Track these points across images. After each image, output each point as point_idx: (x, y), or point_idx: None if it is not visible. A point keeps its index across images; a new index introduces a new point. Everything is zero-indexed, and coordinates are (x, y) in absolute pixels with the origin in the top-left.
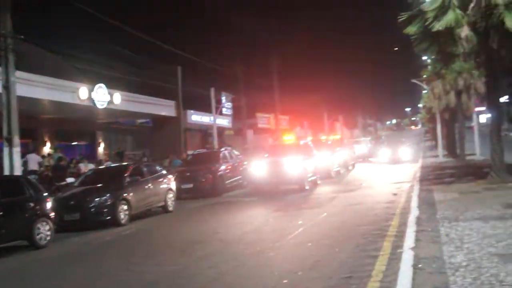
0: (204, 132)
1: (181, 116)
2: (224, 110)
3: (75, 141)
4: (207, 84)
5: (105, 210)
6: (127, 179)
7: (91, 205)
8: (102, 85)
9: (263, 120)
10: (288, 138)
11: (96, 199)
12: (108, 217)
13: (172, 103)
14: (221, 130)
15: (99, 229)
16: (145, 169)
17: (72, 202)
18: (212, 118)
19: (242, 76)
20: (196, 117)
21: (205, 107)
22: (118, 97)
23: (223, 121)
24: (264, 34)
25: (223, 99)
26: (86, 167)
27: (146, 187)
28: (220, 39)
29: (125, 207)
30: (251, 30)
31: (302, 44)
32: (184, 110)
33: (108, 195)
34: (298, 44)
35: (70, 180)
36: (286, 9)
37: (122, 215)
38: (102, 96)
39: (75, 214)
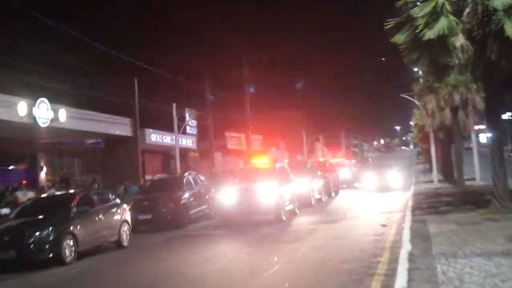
0: (165, 154)
1: (138, 136)
2: (188, 129)
3: (12, 165)
4: (169, 100)
5: (47, 246)
6: (74, 210)
7: (30, 241)
8: (45, 99)
9: (233, 140)
10: (262, 161)
11: (36, 234)
12: (51, 255)
13: (127, 120)
14: (184, 151)
15: (40, 269)
16: (95, 197)
17: (6, 238)
18: (174, 138)
19: (209, 90)
20: (156, 137)
21: (166, 126)
22: (63, 114)
23: (187, 142)
24: (233, 43)
25: (187, 116)
26: (24, 195)
27: (97, 218)
28: (184, 49)
29: (71, 242)
30: (219, 39)
31: (277, 54)
32: (142, 128)
33: (50, 228)
34: (272, 54)
35: (4, 211)
36: (260, 16)
37: (67, 252)
38: (44, 113)
39: (10, 252)
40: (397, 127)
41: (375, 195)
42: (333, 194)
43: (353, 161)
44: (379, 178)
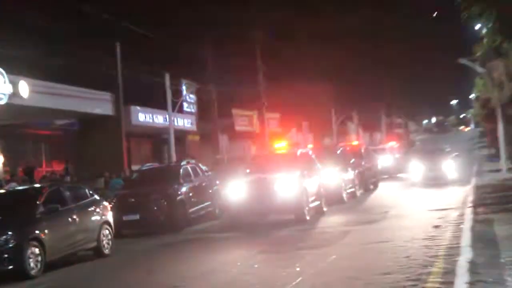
0: (157, 138)
1: (121, 115)
2: (185, 106)
3: None
4: (161, 69)
5: (6, 256)
6: (41, 209)
7: None
8: (1, 70)
9: (243, 120)
10: (280, 145)
11: None
12: (11, 266)
13: (108, 96)
14: (181, 134)
15: None
16: (68, 193)
17: None
18: (167, 117)
19: (212, 57)
20: (145, 116)
21: (157, 102)
22: (25, 88)
23: (184, 122)
24: None
25: (184, 89)
26: None
27: (70, 220)
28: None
29: (37, 250)
30: None
31: (299, 11)
32: (127, 106)
33: (9, 233)
34: (293, 11)
35: None
36: None
37: (32, 263)
38: (1, 86)
39: None
40: (453, 102)
41: (424, 188)
42: (371, 187)
43: (397, 145)
44: (430, 166)
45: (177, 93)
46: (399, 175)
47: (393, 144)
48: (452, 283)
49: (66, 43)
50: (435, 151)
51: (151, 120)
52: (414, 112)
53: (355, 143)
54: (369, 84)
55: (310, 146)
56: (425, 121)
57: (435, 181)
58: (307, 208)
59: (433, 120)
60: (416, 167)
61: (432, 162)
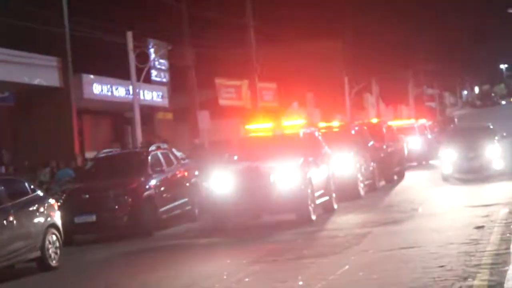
0: (117, 116)
1: (71, 87)
2: (154, 74)
3: None
4: (122, 26)
5: None
6: None
7: None
8: None
9: (229, 92)
10: (293, 123)
11: None
12: None
13: (53, 61)
14: (149, 111)
15: None
16: (2, 188)
17: None
18: (131, 89)
19: (188, 10)
20: (101, 88)
21: (117, 70)
22: None
23: (153, 95)
24: None
25: (151, 52)
26: None
27: (5, 223)
28: None
29: None
30: None
31: None
32: (78, 74)
33: None
34: None
35: None
36: None
37: None
38: None
39: None
40: (503, 66)
41: (463, 179)
42: (395, 178)
43: (428, 122)
44: (467, 153)
45: (143, 58)
46: (431, 162)
47: (423, 121)
48: None
49: None
50: (474, 132)
51: (109, 93)
52: (451, 80)
53: (374, 120)
54: (392, 44)
55: (317, 124)
56: (465, 92)
57: (474, 174)
58: (312, 205)
59: (476, 90)
60: (448, 155)
61: (470, 147)
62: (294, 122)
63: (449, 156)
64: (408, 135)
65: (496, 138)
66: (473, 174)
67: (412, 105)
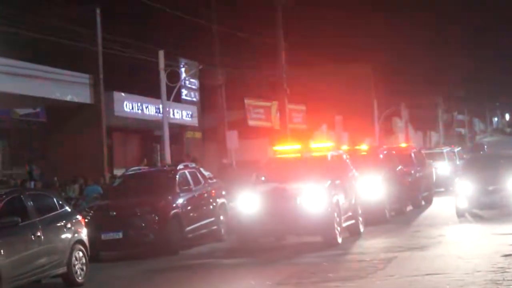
0: (147, 134)
1: (102, 104)
2: (184, 94)
3: None
4: (154, 45)
5: None
6: None
7: None
8: None
9: (258, 112)
10: (321, 145)
11: None
12: None
13: (85, 78)
14: (178, 130)
15: None
16: (30, 203)
17: None
18: (161, 107)
19: (220, 32)
20: (132, 106)
21: (148, 88)
22: None
23: (183, 114)
24: None
25: (183, 71)
26: None
27: (33, 238)
28: None
29: None
30: None
31: None
32: (109, 91)
33: None
34: None
35: None
36: None
37: None
38: None
39: None
40: None
41: (481, 215)
42: (422, 203)
43: (458, 148)
44: (487, 186)
45: (174, 77)
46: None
47: (453, 147)
48: None
49: (32, 11)
50: (495, 161)
51: (139, 111)
52: (481, 106)
53: (403, 145)
54: (423, 69)
55: (344, 147)
56: (495, 119)
57: (493, 211)
58: (338, 228)
59: (507, 117)
60: (464, 188)
61: (490, 178)
62: (322, 145)
63: (465, 189)
64: (437, 160)
65: None
66: (493, 210)
67: (441, 131)
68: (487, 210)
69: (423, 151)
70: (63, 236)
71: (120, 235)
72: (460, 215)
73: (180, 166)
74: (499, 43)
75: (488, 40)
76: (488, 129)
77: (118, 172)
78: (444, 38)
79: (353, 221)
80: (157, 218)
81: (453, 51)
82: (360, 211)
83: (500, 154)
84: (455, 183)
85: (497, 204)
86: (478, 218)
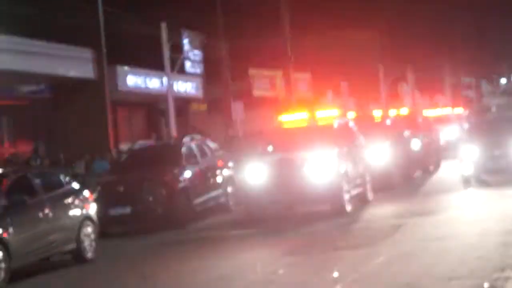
0: (151, 107)
1: (106, 78)
2: (188, 66)
3: None
4: (155, 17)
5: None
6: (3, 202)
7: None
8: None
9: (263, 82)
10: (324, 114)
11: None
12: None
13: (88, 53)
14: (183, 103)
15: None
16: (37, 180)
17: None
18: (165, 80)
19: (223, 1)
20: (135, 80)
21: (151, 61)
22: None
23: (187, 86)
24: None
25: (186, 43)
26: None
27: (41, 215)
28: None
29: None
30: None
31: None
32: (112, 66)
33: None
34: None
35: None
36: None
37: None
38: None
39: None
40: None
41: (488, 181)
42: (430, 168)
43: (465, 112)
44: (492, 150)
45: (177, 49)
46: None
47: (460, 111)
48: None
49: None
50: (502, 124)
51: (143, 85)
52: (489, 68)
53: (408, 110)
54: (428, 32)
55: (351, 114)
56: (504, 80)
57: (502, 176)
58: (347, 197)
59: None
60: (468, 153)
61: (496, 142)
62: (328, 113)
63: (469, 154)
64: (444, 124)
65: None
66: (499, 176)
67: (448, 94)
68: (494, 176)
69: (430, 116)
70: (71, 212)
71: (128, 210)
72: (466, 181)
73: (186, 139)
74: (503, 2)
75: (494, 3)
76: (496, 90)
77: (124, 147)
78: (449, 1)
79: (361, 189)
80: (164, 192)
81: (458, 14)
82: (368, 178)
83: (506, 117)
84: (459, 148)
85: (504, 169)
86: (484, 184)
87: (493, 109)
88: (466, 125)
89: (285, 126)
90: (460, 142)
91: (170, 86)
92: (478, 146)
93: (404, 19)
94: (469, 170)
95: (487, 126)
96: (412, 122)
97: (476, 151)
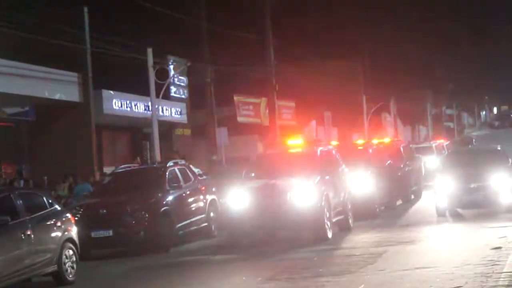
0: (136, 131)
1: (91, 102)
2: (173, 91)
3: None
4: (142, 43)
5: None
6: None
7: None
8: None
9: (247, 109)
10: (294, 142)
11: None
12: None
13: (73, 76)
14: (168, 127)
15: None
16: (20, 202)
17: None
18: (150, 105)
19: (208, 28)
20: (120, 103)
21: (137, 86)
22: None
23: (172, 111)
24: None
25: (171, 68)
26: None
27: (23, 237)
28: None
29: None
30: None
31: None
32: (97, 90)
33: None
34: None
35: None
36: None
37: None
38: None
39: None
40: None
41: (462, 215)
42: (412, 197)
43: (446, 142)
44: (468, 183)
45: (162, 74)
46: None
47: (441, 141)
48: None
49: (19, 11)
50: (478, 156)
51: (129, 109)
52: (470, 101)
53: (389, 140)
54: (411, 64)
55: (333, 143)
56: (483, 112)
57: (476, 210)
58: (328, 223)
59: (495, 110)
60: (444, 185)
61: (472, 175)
62: (296, 141)
63: (445, 186)
64: (426, 154)
65: (506, 164)
66: (475, 209)
67: (430, 125)
68: (469, 210)
69: (411, 145)
70: (53, 234)
71: (111, 232)
72: (440, 214)
73: (170, 163)
74: (486, 37)
75: (476, 34)
76: (476, 123)
77: (107, 170)
78: (433, 34)
79: (343, 216)
80: (147, 215)
81: (442, 47)
82: (349, 206)
83: (483, 149)
84: (435, 179)
85: (480, 203)
86: (459, 218)
87: (474, 140)
88: (443, 156)
89: (269, 152)
90: (436, 174)
91: (155, 110)
92: (453, 178)
93: (387, 50)
94: (444, 203)
95: (463, 158)
96: (394, 151)
97: (451, 183)
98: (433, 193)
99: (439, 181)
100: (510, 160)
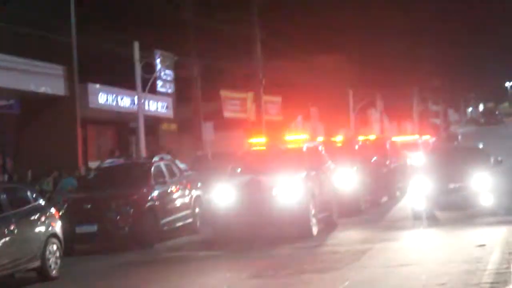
0: (121, 126)
1: (76, 96)
2: (159, 86)
3: None
4: (128, 37)
5: None
6: None
7: None
8: None
9: (234, 104)
10: (293, 138)
11: None
12: None
13: (59, 69)
14: (154, 122)
15: None
16: (3, 196)
17: None
18: (136, 99)
19: (195, 22)
20: (106, 98)
21: (123, 80)
22: None
23: (158, 106)
24: None
25: (158, 63)
26: None
27: (6, 231)
28: None
29: None
30: None
31: None
32: (83, 83)
33: None
34: None
35: None
36: None
37: None
38: None
39: None
40: (508, 84)
41: (439, 218)
42: (397, 193)
43: (432, 139)
44: (447, 183)
45: (149, 68)
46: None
47: (427, 137)
48: None
49: (4, 1)
50: (459, 155)
51: (114, 103)
52: (456, 97)
53: (376, 136)
54: (397, 59)
55: (319, 139)
56: (470, 109)
57: (455, 212)
58: (313, 220)
59: (480, 107)
60: (421, 186)
61: (451, 175)
62: (297, 137)
63: (422, 187)
64: (412, 151)
65: (487, 163)
66: (452, 212)
67: (416, 121)
68: (447, 212)
69: (398, 142)
70: (37, 229)
71: (95, 228)
72: (416, 217)
73: (155, 159)
74: (473, 33)
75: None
76: (462, 119)
77: (92, 164)
78: (420, 29)
79: (328, 213)
80: (132, 211)
81: (428, 42)
82: (335, 203)
83: (464, 147)
84: (411, 179)
85: (459, 204)
86: (435, 222)
87: (460, 136)
88: (422, 155)
89: (255, 148)
90: (414, 174)
91: (141, 105)
92: (431, 178)
93: (373, 46)
94: (420, 205)
95: (442, 156)
96: (381, 148)
97: (428, 183)
98: (409, 194)
99: (415, 180)
100: (492, 158)
